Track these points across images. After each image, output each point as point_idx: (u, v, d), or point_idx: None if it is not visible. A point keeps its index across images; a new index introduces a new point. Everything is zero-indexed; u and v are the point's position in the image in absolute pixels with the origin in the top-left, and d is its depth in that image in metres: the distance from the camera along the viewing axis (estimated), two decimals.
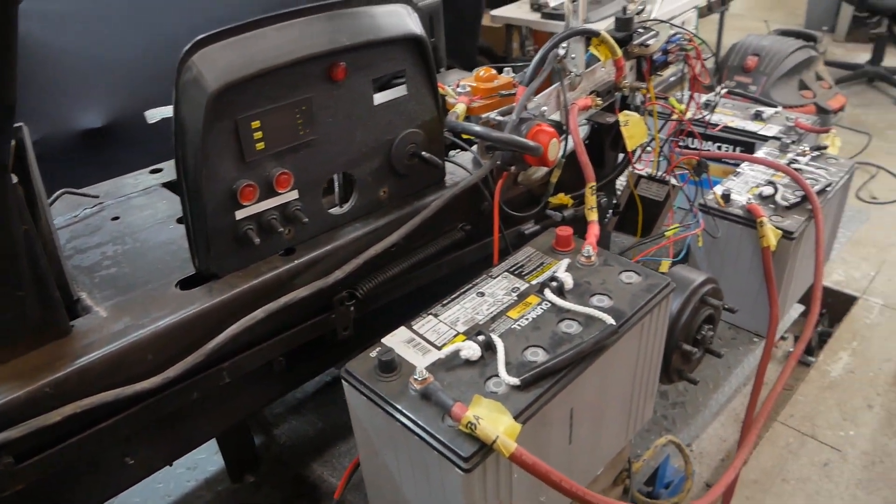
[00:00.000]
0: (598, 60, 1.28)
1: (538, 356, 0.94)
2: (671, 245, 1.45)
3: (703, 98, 2.03)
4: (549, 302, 1.02)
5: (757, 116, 1.96)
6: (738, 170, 1.68)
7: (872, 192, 3.94)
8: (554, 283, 1.03)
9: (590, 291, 1.04)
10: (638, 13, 1.38)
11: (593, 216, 1.17)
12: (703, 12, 5.77)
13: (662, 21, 1.34)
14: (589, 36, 1.22)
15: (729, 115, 1.99)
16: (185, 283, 0.98)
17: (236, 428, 1.15)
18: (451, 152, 1.31)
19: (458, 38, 3.01)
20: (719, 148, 1.96)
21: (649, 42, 1.32)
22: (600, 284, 1.05)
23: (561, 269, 1.06)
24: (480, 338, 0.95)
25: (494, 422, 0.84)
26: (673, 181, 1.47)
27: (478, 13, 3.03)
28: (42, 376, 0.82)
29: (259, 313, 0.93)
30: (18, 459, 0.81)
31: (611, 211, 1.50)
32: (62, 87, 1.89)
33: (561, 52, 1.21)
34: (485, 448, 0.83)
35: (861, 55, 5.04)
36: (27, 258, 0.82)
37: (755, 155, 1.74)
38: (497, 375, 0.91)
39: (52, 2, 1.91)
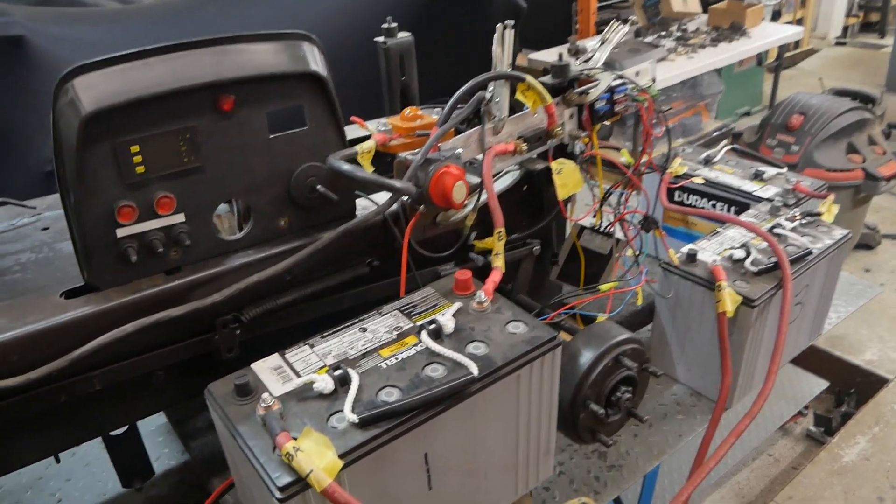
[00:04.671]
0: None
1: (392, 396, 0.94)
2: (610, 298, 1.41)
3: (704, 154, 1.97)
4: (424, 344, 1.02)
5: (757, 176, 1.87)
6: (719, 229, 1.61)
7: None
8: (432, 326, 1.03)
9: (469, 338, 1.03)
10: (586, 61, 1.37)
11: (498, 262, 1.16)
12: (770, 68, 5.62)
13: (605, 70, 1.32)
14: (514, 81, 1.22)
15: (728, 173, 1.92)
16: (71, 294, 1.03)
17: (125, 435, 1.18)
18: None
19: None
20: (714, 206, 1.89)
21: (589, 90, 1.30)
22: (483, 332, 1.04)
23: (448, 313, 1.05)
24: (338, 372, 0.95)
25: (316, 455, 0.84)
26: (619, 234, 1.43)
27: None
28: None
29: (129, 327, 0.97)
30: None
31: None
32: None
33: (487, 95, 1.21)
34: (303, 480, 0.83)
35: None
36: None
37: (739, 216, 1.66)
38: (342, 411, 0.91)
39: (85, 31, 2.06)
